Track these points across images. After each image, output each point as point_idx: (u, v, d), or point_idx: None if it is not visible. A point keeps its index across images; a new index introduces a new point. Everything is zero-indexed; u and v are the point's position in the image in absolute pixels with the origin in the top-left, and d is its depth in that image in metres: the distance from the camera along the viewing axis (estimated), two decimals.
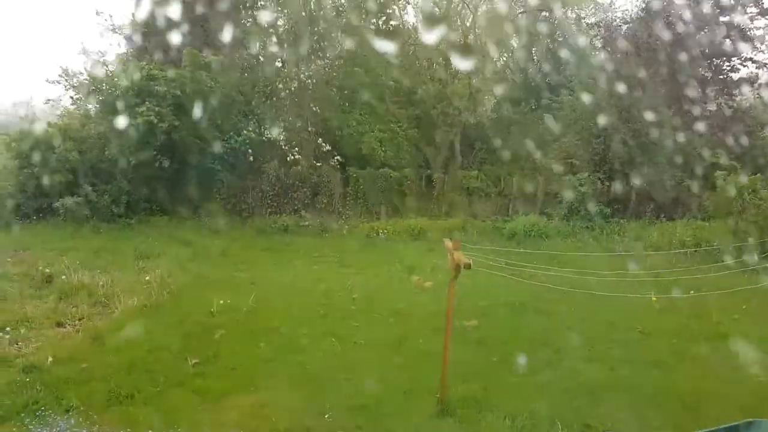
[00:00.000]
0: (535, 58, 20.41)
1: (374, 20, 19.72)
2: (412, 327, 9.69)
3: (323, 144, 18.70)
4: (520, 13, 20.22)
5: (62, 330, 9.67)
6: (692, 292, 10.21)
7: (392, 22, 19.52)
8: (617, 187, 16.69)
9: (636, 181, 16.86)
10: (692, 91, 16.68)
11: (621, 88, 15.15)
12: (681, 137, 15.17)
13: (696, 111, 16.87)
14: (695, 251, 13.66)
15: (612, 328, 9.79)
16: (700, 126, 15.84)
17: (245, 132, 17.70)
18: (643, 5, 18.45)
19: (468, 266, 7.79)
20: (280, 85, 18.73)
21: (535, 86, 19.60)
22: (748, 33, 19.10)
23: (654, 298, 10.58)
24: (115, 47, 20.85)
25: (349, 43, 18.64)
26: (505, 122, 18.84)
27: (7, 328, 9.18)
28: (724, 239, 14.28)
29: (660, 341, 9.18)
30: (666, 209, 17.36)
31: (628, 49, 16.67)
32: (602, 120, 15.22)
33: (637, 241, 15.30)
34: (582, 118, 16.69)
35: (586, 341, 9.02)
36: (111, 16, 20.52)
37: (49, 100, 18.33)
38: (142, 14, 18.40)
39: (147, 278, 12.28)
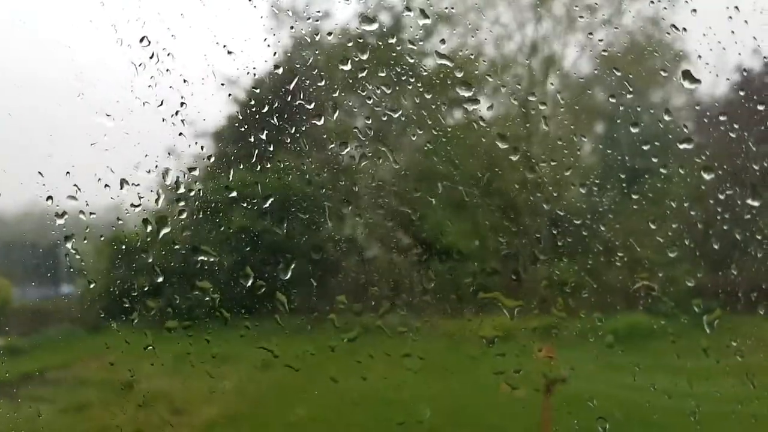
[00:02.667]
0: (620, 142, 19.83)
1: (450, 113, 19.99)
2: None
3: (402, 238, 18.94)
4: (610, 97, 20.52)
5: None
6: None
7: (471, 114, 19.68)
8: (725, 278, 15.27)
9: (746, 270, 15.27)
10: None
11: (719, 170, 14.25)
12: None
13: None
14: None
15: None
16: None
17: (324, 227, 18.11)
18: (734, 86, 17.59)
19: (563, 380, 7.19)
20: (359, 180, 18.86)
21: (625, 172, 18.46)
22: None
23: None
24: (200, 150, 22.17)
25: (426, 137, 18.91)
26: (595, 210, 17.68)
27: None
28: None
29: None
30: None
31: (723, 129, 15.74)
32: (702, 205, 14.21)
33: (757, 341, 14.03)
34: (679, 204, 15.61)
35: None
36: (204, 120, 21.88)
37: (138, 204, 19.45)
38: (227, 120, 19.62)
39: (226, 384, 12.17)
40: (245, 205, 17.15)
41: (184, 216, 18.65)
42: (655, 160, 17.39)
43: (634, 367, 10.23)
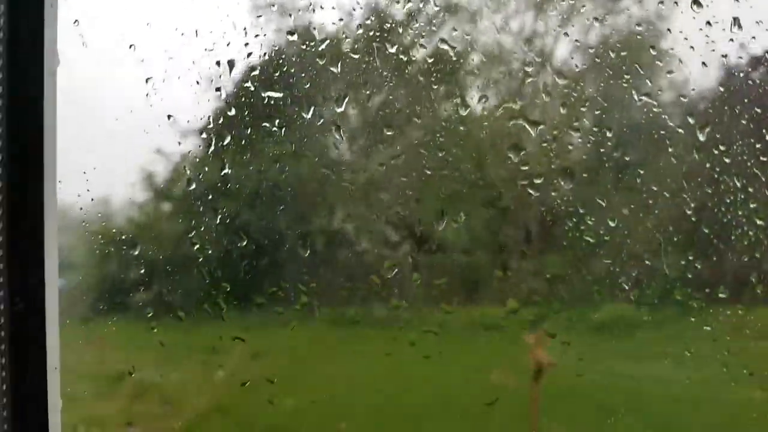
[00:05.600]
0: (609, 135, 19.97)
1: (444, 106, 20.16)
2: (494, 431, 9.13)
3: (392, 232, 19.12)
4: (600, 94, 20.58)
5: (132, 431, 9.65)
6: None
7: (461, 111, 19.78)
8: (712, 268, 15.53)
9: (731, 260, 15.50)
10: None
11: (707, 163, 14.51)
12: None
13: None
14: None
15: (714, 430, 8.95)
16: None
17: (315, 221, 18.33)
18: (721, 81, 17.82)
19: (552, 366, 7.32)
20: (350, 175, 19.09)
21: (613, 164, 18.64)
22: None
23: (758, 393, 9.65)
24: (189, 146, 22.26)
25: (416, 131, 19.08)
26: (583, 202, 17.90)
27: (81, 430, 9.19)
28: None
29: None
30: None
31: (707, 125, 15.99)
32: (689, 198, 14.43)
33: (738, 329, 14.27)
34: (666, 196, 15.79)
35: None
36: (188, 121, 21.90)
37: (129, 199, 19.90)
38: (215, 112, 19.90)
39: (218, 375, 12.25)
40: (233, 195, 17.85)
41: (172, 210, 19.42)
42: (642, 151, 17.57)
43: (621, 355, 10.46)
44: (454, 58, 20.30)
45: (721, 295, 15.81)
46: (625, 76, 17.19)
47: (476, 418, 8.55)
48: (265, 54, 20.36)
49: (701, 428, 8.27)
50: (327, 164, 19.18)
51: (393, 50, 18.47)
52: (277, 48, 20.06)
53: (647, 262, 16.02)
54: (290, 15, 20.77)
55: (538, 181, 19.09)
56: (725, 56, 17.12)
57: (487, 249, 18.52)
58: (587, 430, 8.19)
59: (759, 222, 14.61)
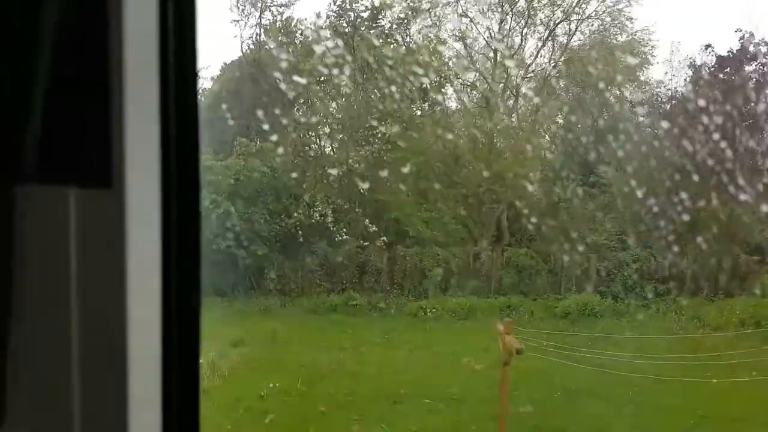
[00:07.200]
0: (579, 134, 20.45)
1: (418, 105, 20.52)
2: (465, 413, 9.45)
3: (370, 224, 19.33)
4: (563, 91, 21.19)
5: None
6: (754, 373, 9.82)
7: (437, 107, 20.17)
8: (671, 263, 16.21)
9: (689, 256, 16.21)
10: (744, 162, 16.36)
11: (668, 163, 15.11)
12: (737, 211, 14.83)
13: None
14: (757, 331, 13.09)
15: (672, 413, 9.39)
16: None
17: (295, 214, 18.75)
18: (687, 82, 18.59)
19: (520, 351, 7.75)
20: (330, 170, 19.92)
21: (581, 163, 19.17)
22: None
23: (714, 381, 10.13)
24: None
25: (395, 128, 19.38)
26: (552, 199, 18.17)
27: None
28: None
29: (722, 427, 8.81)
30: (724, 286, 16.45)
31: (674, 125, 16.60)
32: (651, 196, 14.98)
33: (695, 320, 14.68)
34: (630, 194, 16.29)
35: (648, 428, 8.73)
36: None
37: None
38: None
39: (199, 361, 12.41)
40: (211, 188, 18.11)
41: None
42: (611, 151, 17.99)
43: (586, 342, 11.06)
44: (429, 55, 20.33)
45: (680, 288, 16.51)
46: (593, 78, 17.62)
47: (450, 400, 9.03)
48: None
49: (659, 411, 8.86)
50: (310, 158, 19.22)
51: (373, 49, 18.38)
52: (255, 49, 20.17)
53: (611, 256, 16.62)
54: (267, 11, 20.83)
55: (508, 179, 19.56)
56: (692, 57, 17.52)
57: (459, 242, 18.81)
58: (553, 410, 8.73)
59: (721, 219, 15.18)
